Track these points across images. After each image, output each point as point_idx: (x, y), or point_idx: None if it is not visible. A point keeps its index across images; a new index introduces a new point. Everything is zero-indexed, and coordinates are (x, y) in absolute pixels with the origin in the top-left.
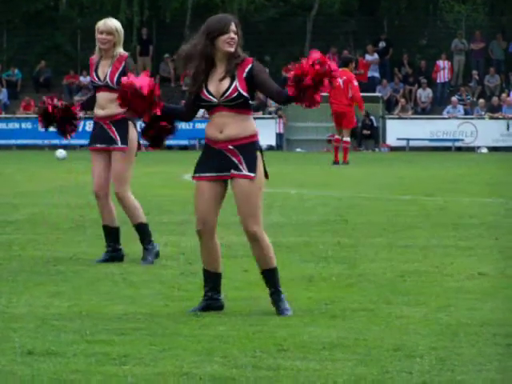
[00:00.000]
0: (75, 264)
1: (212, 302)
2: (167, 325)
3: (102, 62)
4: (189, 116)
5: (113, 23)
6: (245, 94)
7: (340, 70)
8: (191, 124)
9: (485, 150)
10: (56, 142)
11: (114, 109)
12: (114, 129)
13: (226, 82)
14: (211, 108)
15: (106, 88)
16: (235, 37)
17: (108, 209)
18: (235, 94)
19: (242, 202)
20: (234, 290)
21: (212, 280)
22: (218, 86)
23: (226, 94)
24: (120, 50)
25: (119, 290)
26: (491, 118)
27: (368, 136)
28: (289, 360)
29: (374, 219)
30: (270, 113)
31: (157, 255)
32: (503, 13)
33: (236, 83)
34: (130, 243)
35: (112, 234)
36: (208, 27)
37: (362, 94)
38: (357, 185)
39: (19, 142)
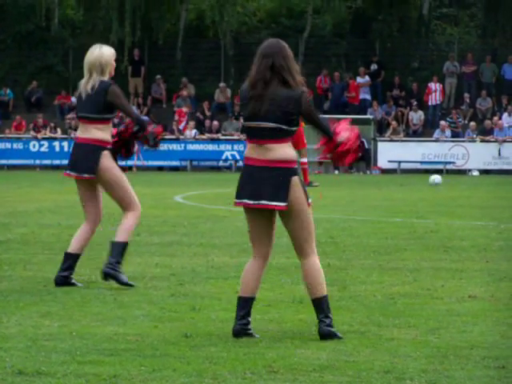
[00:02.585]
0: (66, 284)
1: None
2: (157, 346)
3: None
4: None
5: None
6: None
7: None
8: (182, 145)
9: (476, 173)
10: (47, 162)
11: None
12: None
13: None
14: None
15: None
16: None
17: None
18: None
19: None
20: (224, 311)
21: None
22: None
23: None
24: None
25: (110, 310)
26: (482, 140)
27: (359, 158)
28: (279, 382)
29: (365, 241)
30: None
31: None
32: (495, 35)
33: None
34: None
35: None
36: None
37: (353, 116)
38: (347, 207)
39: (10, 162)
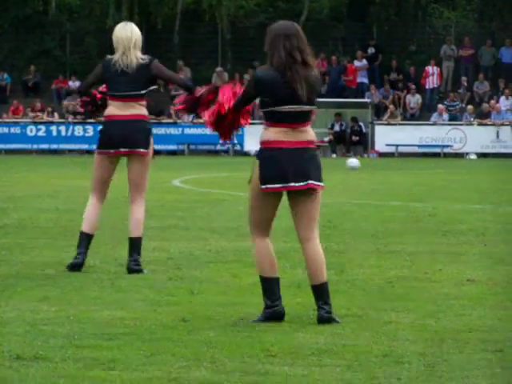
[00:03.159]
0: (64, 269)
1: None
2: (155, 330)
3: None
4: None
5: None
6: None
7: None
8: (180, 129)
9: (474, 157)
10: (44, 146)
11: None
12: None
13: None
14: None
15: None
16: None
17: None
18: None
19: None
20: (222, 295)
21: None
22: None
23: None
24: None
25: (108, 294)
26: (480, 124)
27: (357, 142)
28: (277, 365)
29: (363, 225)
30: (259, 118)
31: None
32: (492, 19)
33: None
34: (119, 248)
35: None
36: None
37: (351, 100)
38: (345, 191)
39: (8, 146)
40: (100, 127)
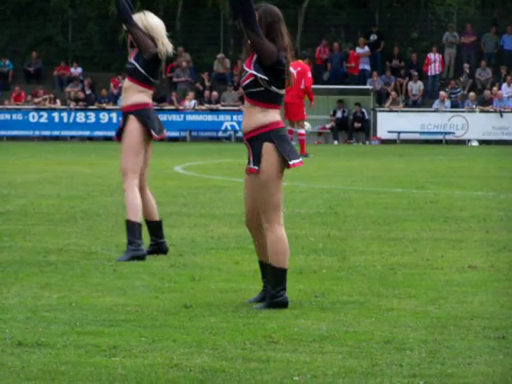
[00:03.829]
0: (66, 255)
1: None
2: (157, 316)
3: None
4: None
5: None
6: (259, 75)
7: (295, 61)
8: (182, 116)
9: (476, 143)
10: (46, 133)
11: (124, 100)
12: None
13: (245, 68)
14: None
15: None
16: None
17: (144, 202)
18: (248, 81)
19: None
20: (224, 281)
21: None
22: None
23: (242, 80)
24: None
25: (109, 281)
26: (482, 111)
27: (359, 129)
28: (279, 352)
29: (365, 212)
30: None
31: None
32: (494, 6)
33: (245, 67)
34: (120, 234)
35: (152, 228)
36: None
37: (353, 87)
38: (347, 177)
39: (10, 133)
40: (133, 116)
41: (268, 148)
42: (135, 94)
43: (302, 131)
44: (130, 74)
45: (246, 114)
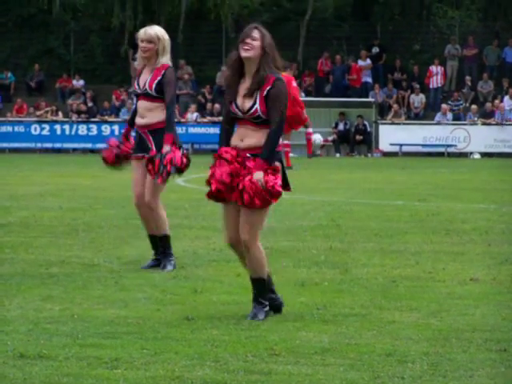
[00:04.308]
0: (68, 267)
1: (271, 301)
2: (159, 329)
3: (144, 71)
4: (232, 126)
5: (154, 31)
6: (264, 116)
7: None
8: (184, 128)
9: (477, 156)
10: (48, 145)
11: (153, 118)
12: (151, 138)
13: (249, 102)
14: (238, 119)
15: (145, 97)
16: (251, 42)
17: (152, 217)
18: (256, 115)
19: (246, 214)
20: (226, 294)
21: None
22: (243, 102)
23: (250, 112)
24: (163, 59)
25: (111, 293)
26: (484, 123)
27: (361, 141)
28: (281, 364)
29: (367, 224)
30: None
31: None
32: (496, 19)
33: (257, 105)
34: (122, 247)
35: (155, 243)
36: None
37: (355, 99)
38: (349, 190)
39: (12, 145)
40: (152, 135)
41: (275, 171)
42: (163, 111)
43: (285, 142)
44: (147, 95)
45: (249, 134)
